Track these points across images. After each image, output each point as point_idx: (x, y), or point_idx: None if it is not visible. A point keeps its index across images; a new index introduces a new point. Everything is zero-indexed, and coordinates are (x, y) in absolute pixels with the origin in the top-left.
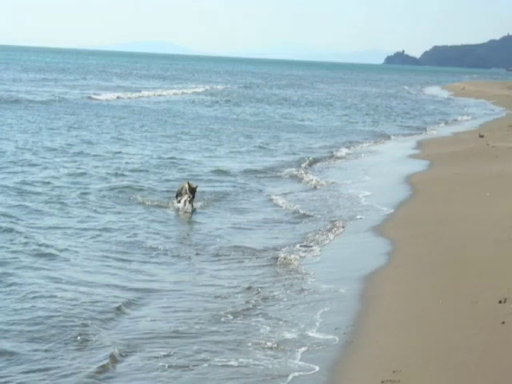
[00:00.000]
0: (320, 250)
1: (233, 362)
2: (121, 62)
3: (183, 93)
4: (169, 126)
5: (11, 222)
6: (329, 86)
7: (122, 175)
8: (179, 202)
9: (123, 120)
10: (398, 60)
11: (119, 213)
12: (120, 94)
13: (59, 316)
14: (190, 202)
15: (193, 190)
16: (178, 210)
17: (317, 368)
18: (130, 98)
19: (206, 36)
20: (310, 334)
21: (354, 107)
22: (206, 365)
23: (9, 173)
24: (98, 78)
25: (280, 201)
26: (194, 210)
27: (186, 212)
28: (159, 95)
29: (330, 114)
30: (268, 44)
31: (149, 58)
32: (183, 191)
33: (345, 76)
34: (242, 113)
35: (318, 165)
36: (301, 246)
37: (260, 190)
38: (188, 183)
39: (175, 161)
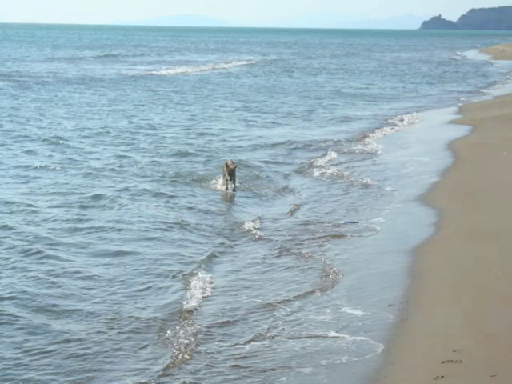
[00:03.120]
0: (367, 222)
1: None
2: (162, 36)
3: (236, 65)
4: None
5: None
6: (373, 54)
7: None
8: (226, 182)
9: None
10: (435, 25)
11: (164, 193)
12: (185, 69)
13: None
14: (229, 181)
15: (231, 171)
16: (223, 189)
17: (374, 347)
18: (192, 71)
19: (240, 8)
20: (363, 311)
21: (401, 74)
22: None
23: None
24: (154, 54)
25: (328, 171)
26: (234, 189)
27: (227, 192)
28: (213, 69)
29: (382, 82)
30: (304, 14)
31: (188, 32)
32: (224, 171)
33: (389, 43)
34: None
35: (369, 134)
36: (345, 222)
37: (310, 162)
38: (226, 163)
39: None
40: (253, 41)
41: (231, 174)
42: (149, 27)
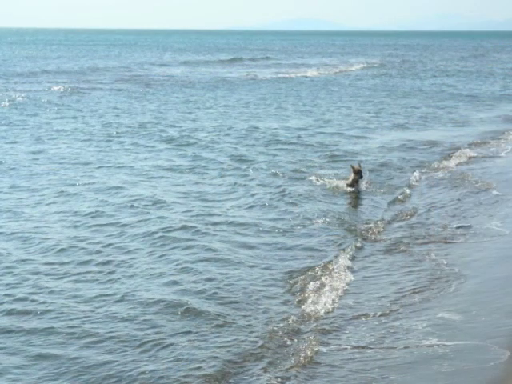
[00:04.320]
0: (485, 226)
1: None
2: (279, 40)
3: (357, 68)
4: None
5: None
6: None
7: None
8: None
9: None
10: None
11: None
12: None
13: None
14: (356, 183)
15: (358, 172)
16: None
17: (499, 354)
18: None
19: (351, 10)
20: (487, 316)
21: None
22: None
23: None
24: (281, 58)
25: (450, 174)
26: (359, 191)
27: (350, 192)
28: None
29: None
30: (420, 16)
31: (301, 35)
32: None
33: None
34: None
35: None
36: (458, 226)
37: (433, 165)
38: (352, 166)
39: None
40: (369, 43)
41: (358, 175)
42: (264, 31)
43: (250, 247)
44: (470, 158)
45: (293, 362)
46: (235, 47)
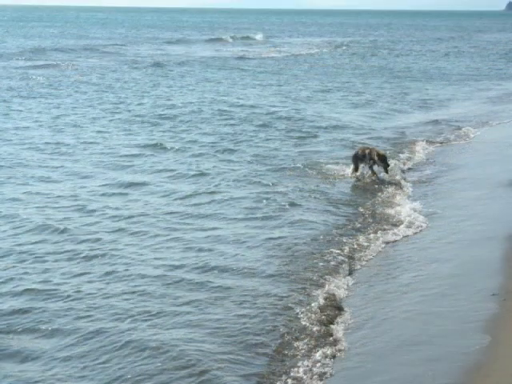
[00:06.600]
0: (465, 207)
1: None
2: (241, 19)
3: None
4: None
5: None
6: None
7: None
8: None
9: None
10: None
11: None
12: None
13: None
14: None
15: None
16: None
17: (481, 339)
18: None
19: None
20: (466, 301)
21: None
22: None
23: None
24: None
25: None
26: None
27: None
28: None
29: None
30: None
31: (270, 13)
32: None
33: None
34: None
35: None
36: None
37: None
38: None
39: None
40: (335, 22)
41: (382, 160)
42: (222, 10)
43: (252, 236)
44: (453, 141)
45: (290, 364)
46: (194, 25)
